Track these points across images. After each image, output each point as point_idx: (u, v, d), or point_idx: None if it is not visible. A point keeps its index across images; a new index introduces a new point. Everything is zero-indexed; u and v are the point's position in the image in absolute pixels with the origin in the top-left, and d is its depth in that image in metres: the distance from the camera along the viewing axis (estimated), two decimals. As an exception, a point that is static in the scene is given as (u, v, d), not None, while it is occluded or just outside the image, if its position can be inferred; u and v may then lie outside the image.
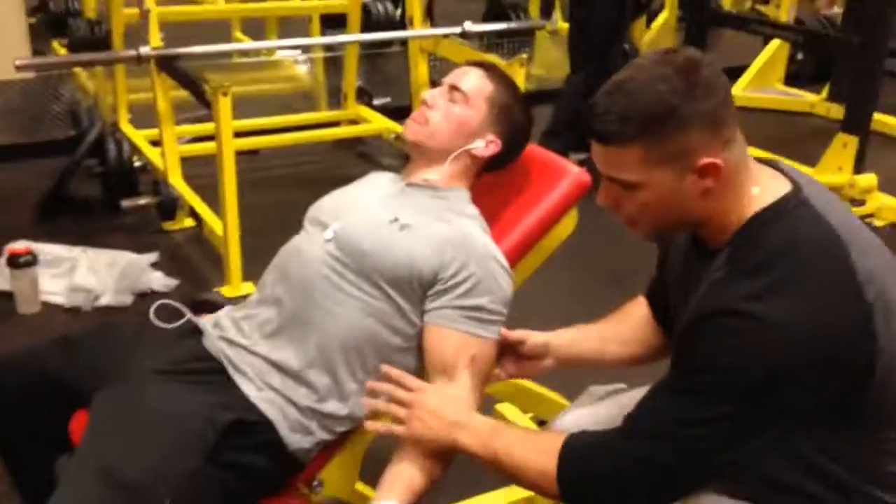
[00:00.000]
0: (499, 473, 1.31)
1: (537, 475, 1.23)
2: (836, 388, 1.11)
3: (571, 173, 1.72)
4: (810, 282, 1.09)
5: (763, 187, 1.18)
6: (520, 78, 3.24)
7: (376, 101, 4.67)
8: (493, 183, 1.80)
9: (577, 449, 1.22)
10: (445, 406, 1.36)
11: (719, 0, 6.15)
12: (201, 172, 3.62)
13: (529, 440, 1.29)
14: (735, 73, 5.51)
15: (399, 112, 4.19)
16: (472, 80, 1.61)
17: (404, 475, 1.36)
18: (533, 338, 1.52)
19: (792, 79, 5.50)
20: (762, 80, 5.40)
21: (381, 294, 1.49)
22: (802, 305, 1.08)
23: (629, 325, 1.55)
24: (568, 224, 1.74)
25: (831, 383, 1.10)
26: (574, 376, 2.49)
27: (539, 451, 1.24)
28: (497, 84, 1.62)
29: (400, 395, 1.37)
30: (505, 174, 1.81)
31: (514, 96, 1.65)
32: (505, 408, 2.22)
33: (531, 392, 2.00)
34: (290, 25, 5.63)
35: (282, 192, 3.96)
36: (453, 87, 1.60)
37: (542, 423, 2.16)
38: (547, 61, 5.91)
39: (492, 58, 3.51)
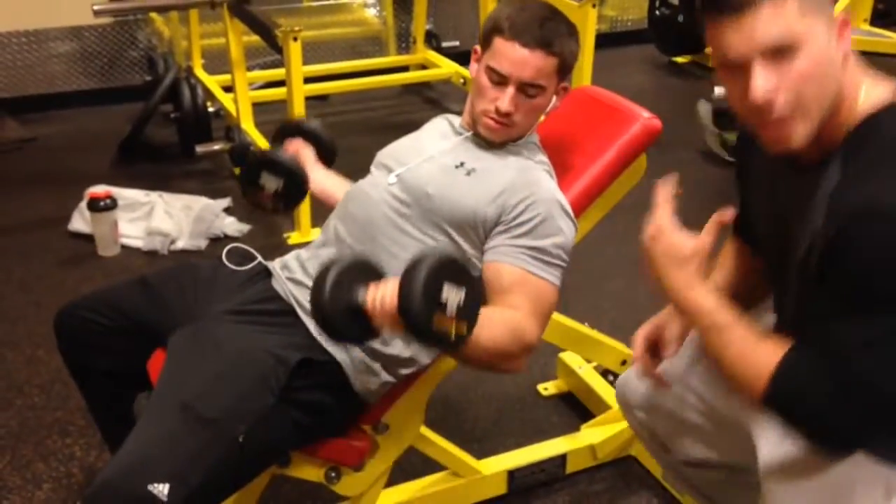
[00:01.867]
0: (707, 349, 1.22)
1: (751, 375, 1.14)
2: None
3: (641, 118, 1.68)
4: None
5: (868, 86, 1.11)
6: (591, 21, 3.17)
7: (445, 45, 4.62)
8: (562, 128, 1.78)
9: (793, 368, 1.11)
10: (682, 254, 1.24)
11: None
12: (273, 119, 3.65)
13: (752, 338, 1.16)
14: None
15: (468, 56, 4.13)
16: (538, 66, 1.50)
17: None
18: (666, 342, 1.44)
19: (880, 18, 5.24)
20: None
21: (444, 237, 1.50)
22: None
23: (732, 273, 1.47)
24: (636, 171, 1.71)
25: None
26: (638, 325, 2.48)
27: (760, 353, 1.14)
28: (559, 48, 1.51)
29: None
30: (575, 119, 1.78)
31: (570, 39, 1.54)
32: (568, 356, 2.23)
33: (594, 341, 1.99)
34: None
35: (351, 138, 3.98)
36: (524, 85, 1.50)
37: (605, 373, 2.16)
38: (621, 2, 5.74)
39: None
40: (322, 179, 1.77)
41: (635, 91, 4.41)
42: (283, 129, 1.85)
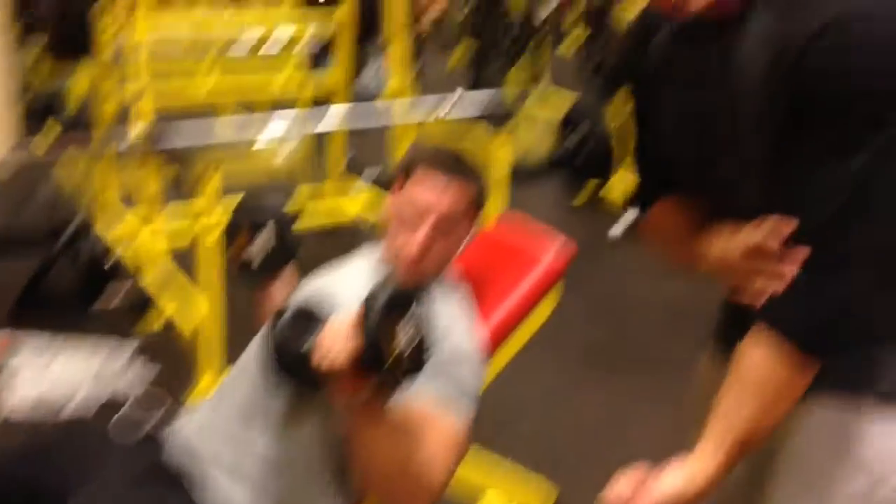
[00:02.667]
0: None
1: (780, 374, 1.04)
2: None
3: (555, 246, 1.70)
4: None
5: None
6: (506, 153, 3.27)
7: (366, 177, 4.68)
8: (477, 261, 1.78)
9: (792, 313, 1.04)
10: None
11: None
12: (180, 265, 3.56)
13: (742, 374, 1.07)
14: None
15: (390, 185, 4.20)
16: (457, 195, 1.50)
17: None
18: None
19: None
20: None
21: None
22: None
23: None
24: (551, 301, 1.73)
25: None
26: (562, 463, 2.46)
27: (756, 362, 1.06)
28: (474, 179, 1.53)
29: None
30: (490, 252, 1.79)
31: (480, 178, 1.57)
32: (491, 495, 2.17)
33: (515, 478, 1.96)
34: (279, 103, 5.67)
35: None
36: (440, 221, 1.49)
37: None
38: (526, 141, 5.97)
39: (475, 134, 3.54)
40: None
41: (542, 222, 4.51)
42: (239, 210, 1.69)
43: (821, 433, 1.11)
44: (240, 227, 1.61)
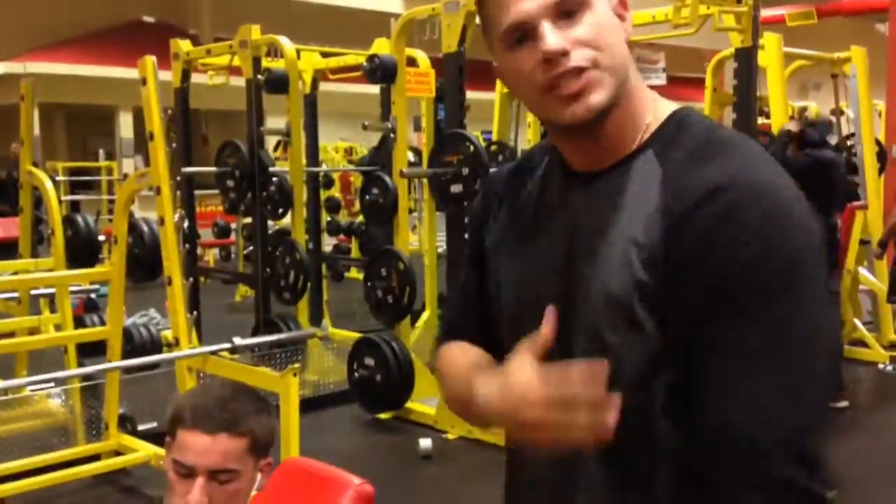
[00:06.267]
0: None
1: None
2: None
3: (353, 486, 1.66)
4: (779, 169, 0.98)
5: (653, 93, 1.07)
6: (294, 388, 3.22)
7: (141, 427, 4.39)
8: (278, 501, 1.70)
9: None
10: None
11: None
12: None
13: None
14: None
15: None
16: (224, 450, 1.42)
17: None
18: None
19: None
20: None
21: None
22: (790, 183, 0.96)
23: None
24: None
25: None
26: None
27: None
28: (246, 427, 1.44)
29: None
30: (288, 494, 1.72)
31: (259, 414, 1.48)
32: None
33: None
34: (42, 357, 5.31)
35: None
36: (214, 473, 1.41)
37: None
38: (321, 367, 5.96)
39: (263, 370, 3.48)
40: None
41: (344, 451, 4.44)
42: None
43: None
44: None
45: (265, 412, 1.51)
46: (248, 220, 6.82)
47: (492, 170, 4.69)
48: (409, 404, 5.03)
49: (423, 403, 5.03)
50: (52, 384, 4.71)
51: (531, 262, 1.07)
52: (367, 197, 5.45)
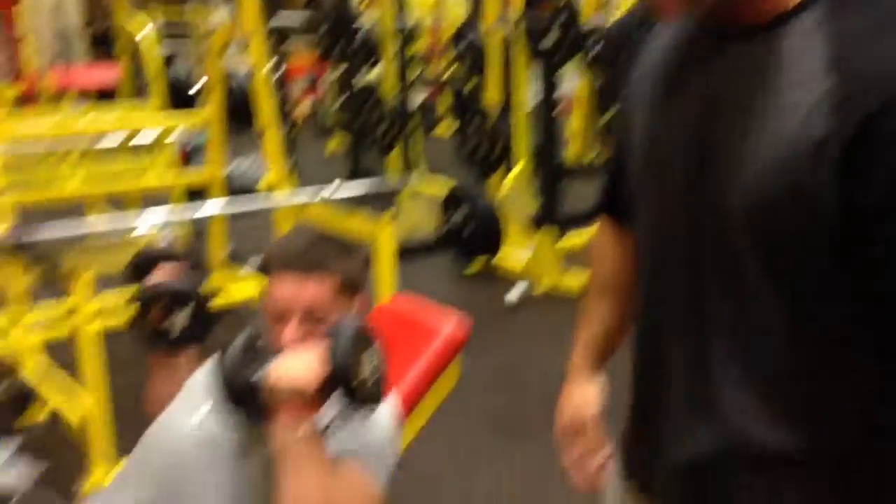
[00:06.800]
0: None
1: None
2: None
3: (450, 324, 1.73)
4: None
5: None
6: (388, 236, 3.30)
7: (245, 269, 4.61)
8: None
9: None
10: None
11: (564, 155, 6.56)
12: (60, 357, 3.41)
13: None
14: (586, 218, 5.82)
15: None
16: (312, 293, 1.44)
17: None
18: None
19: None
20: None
21: None
22: None
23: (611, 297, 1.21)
24: (451, 375, 1.74)
25: None
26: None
27: None
28: (332, 269, 1.47)
29: None
30: (385, 331, 1.80)
31: (345, 256, 1.51)
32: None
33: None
34: (152, 198, 5.56)
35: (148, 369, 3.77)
36: (306, 315, 1.44)
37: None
38: (413, 218, 6.05)
39: (358, 218, 3.57)
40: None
41: (435, 300, 4.56)
42: (140, 264, 1.69)
43: None
44: (157, 298, 1.57)
45: (351, 253, 1.53)
46: (339, 72, 6.80)
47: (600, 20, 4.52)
48: (498, 256, 5.11)
49: (513, 256, 5.10)
50: (160, 226, 4.94)
51: (664, 124, 0.95)
52: (458, 50, 5.34)
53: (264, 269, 1.51)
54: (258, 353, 1.26)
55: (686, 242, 0.92)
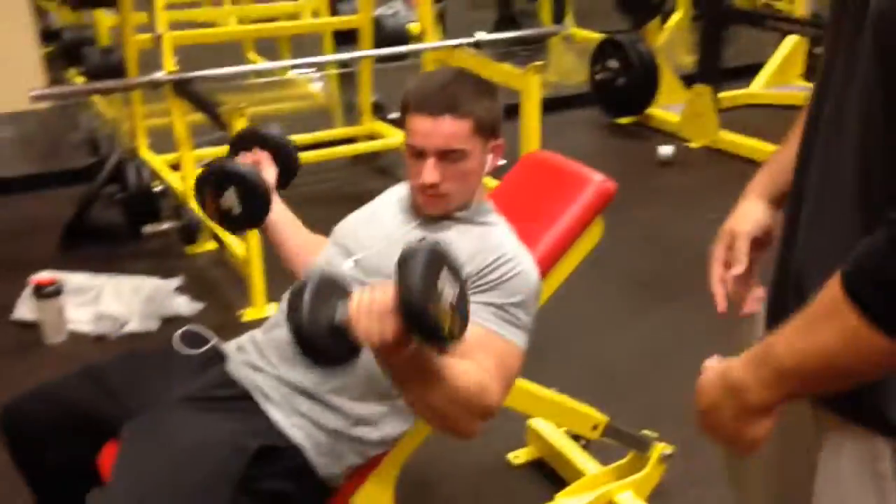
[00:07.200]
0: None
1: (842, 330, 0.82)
2: None
3: (595, 181, 1.69)
4: None
5: None
6: (536, 85, 3.22)
7: (392, 115, 4.66)
8: (516, 194, 1.78)
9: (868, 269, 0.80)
10: None
11: (732, -2, 6.09)
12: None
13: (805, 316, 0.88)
14: (753, 70, 5.46)
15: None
16: (448, 132, 1.46)
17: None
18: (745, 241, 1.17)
19: (811, 74, 5.44)
20: (781, 77, 5.34)
21: None
22: None
23: None
24: (594, 233, 1.71)
25: None
26: (611, 390, 2.47)
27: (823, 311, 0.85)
28: (468, 109, 1.47)
29: None
30: (529, 185, 1.79)
31: (481, 97, 1.51)
32: (538, 422, 2.19)
33: (563, 407, 1.96)
34: (303, 44, 5.65)
35: (303, 210, 3.92)
36: (443, 153, 1.47)
37: (576, 437, 2.13)
38: (562, 67, 5.88)
39: (506, 66, 3.49)
40: (280, 211, 1.70)
41: (582, 153, 4.44)
42: (241, 138, 1.74)
43: (852, 471, 0.95)
44: (207, 178, 1.59)
45: (488, 95, 1.52)
46: None
47: None
48: (651, 110, 4.92)
49: (667, 110, 4.89)
50: (313, 69, 5.03)
51: None
52: None
53: (403, 108, 1.52)
54: (333, 295, 1.17)
55: (835, 52, 0.94)
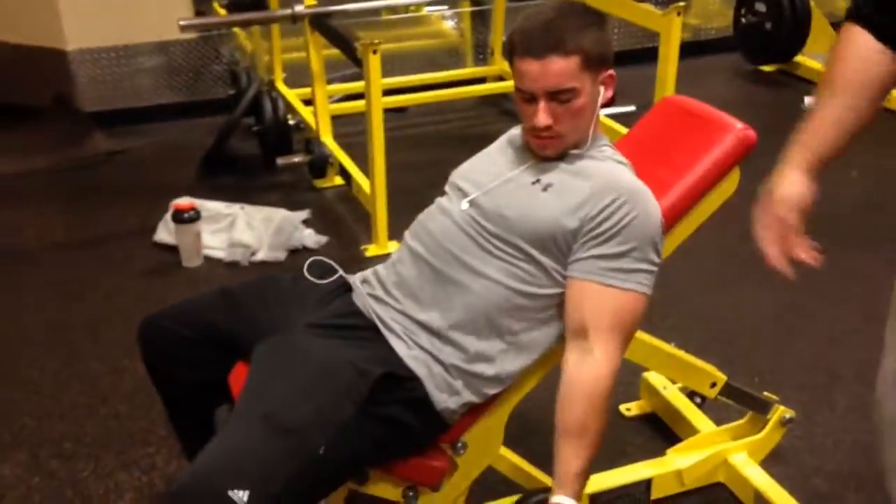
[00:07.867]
0: None
1: None
2: None
3: (735, 129, 1.61)
4: None
5: None
6: (676, 30, 3.08)
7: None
8: (650, 139, 1.72)
9: None
10: None
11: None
12: (351, 131, 3.68)
13: None
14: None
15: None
16: (556, 71, 1.42)
17: (570, 462, 1.38)
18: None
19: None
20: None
21: (524, 256, 1.46)
22: None
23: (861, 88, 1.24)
24: (729, 185, 1.64)
25: None
26: (730, 350, 2.39)
27: None
28: (574, 45, 1.43)
29: None
30: (663, 130, 1.73)
31: (587, 29, 1.45)
32: (653, 376, 2.15)
33: (681, 362, 1.91)
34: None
35: (428, 150, 3.97)
36: (553, 94, 1.44)
37: (691, 395, 2.08)
38: (704, 9, 5.60)
39: (646, 6, 3.35)
40: None
41: (722, 102, 4.25)
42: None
43: None
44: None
45: (594, 26, 1.47)
46: None
47: None
48: (798, 58, 4.63)
49: (815, 58, 4.60)
50: (446, 6, 4.99)
51: None
52: None
53: (510, 52, 1.48)
54: None
55: None
